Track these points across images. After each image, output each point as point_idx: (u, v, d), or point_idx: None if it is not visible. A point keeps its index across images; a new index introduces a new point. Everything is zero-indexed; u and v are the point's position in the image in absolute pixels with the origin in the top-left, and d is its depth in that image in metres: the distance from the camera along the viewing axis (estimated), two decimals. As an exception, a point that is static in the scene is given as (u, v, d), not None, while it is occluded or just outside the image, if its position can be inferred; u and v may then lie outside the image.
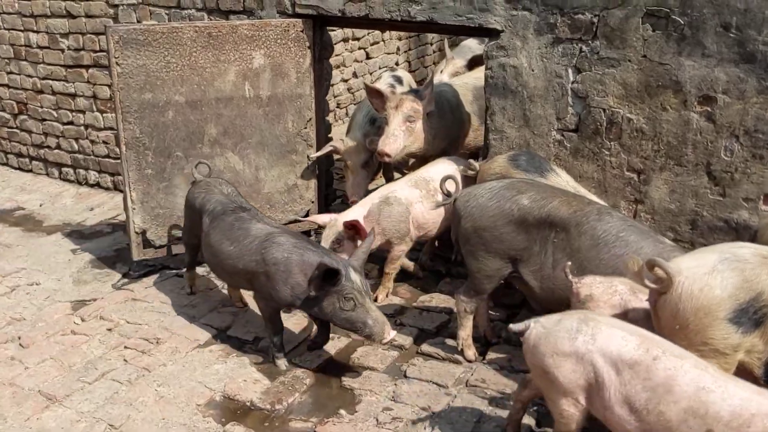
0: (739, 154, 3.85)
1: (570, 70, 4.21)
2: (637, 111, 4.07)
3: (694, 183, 4.02)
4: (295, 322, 4.48)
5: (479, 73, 5.53)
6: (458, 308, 4.01)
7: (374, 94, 4.98)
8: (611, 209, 3.73)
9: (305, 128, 5.29)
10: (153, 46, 4.70)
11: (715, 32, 3.75)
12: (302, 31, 5.08)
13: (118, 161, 6.50)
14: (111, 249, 5.63)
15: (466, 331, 4.01)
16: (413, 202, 4.58)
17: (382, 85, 6.01)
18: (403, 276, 4.93)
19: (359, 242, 4.29)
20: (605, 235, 3.50)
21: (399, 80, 6.15)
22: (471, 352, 4.01)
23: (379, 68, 8.30)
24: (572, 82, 4.22)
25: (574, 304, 3.37)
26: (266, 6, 5.19)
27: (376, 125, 5.29)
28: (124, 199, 4.94)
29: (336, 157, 5.63)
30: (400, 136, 4.72)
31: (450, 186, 4.10)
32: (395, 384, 3.86)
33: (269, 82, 5.08)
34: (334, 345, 4.27)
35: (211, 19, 5.52)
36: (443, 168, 4.62)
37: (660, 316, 2.94)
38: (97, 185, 6.83)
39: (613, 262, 3.44)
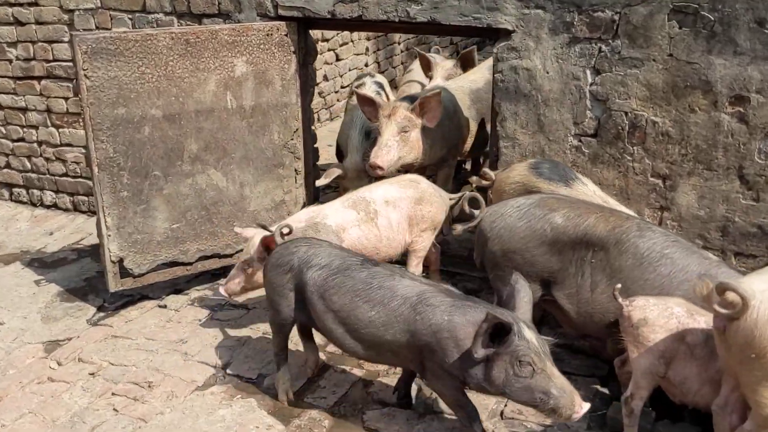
0: (774, 156, 3.65)
1: (588, 72, 3.94)
2: (662, 113, 3.83)
3: (725, 188, 3.80)
4: (299, 353, 4.10)
5: (474, 75, 5.25)
6: None
7: (366, 102, 4.64)
8: (650, 224, 3.48)
9: (292, 139, 4.90)
10: (125, 56, 4.23)
11: (749, 28, 3.53)
12: (286, 35, 4.68)
13: (78, 180, 6.04)
14: (80, 279, 5.12)
15: None
16: (347, 227, 4.00)
17: (368, 91, 5.66)
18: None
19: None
20: (649, 253, 3.23)
21: (381, 86, 5.80)
22: None
23: (349, 70, 7.93)
24: (591, 84, 3.95)
25: (625, 328, 3.10)
26: (245, 8, 4.77)
27: (371, 139, 4.91)
28: (98, 226, 4.46)
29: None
30: (394, 146, 4.40)
31: (472, 205, 3.75)
32: (424, 421, 3.52)
33: (252, 91, 4.66)
34: (347, 378, 3.91)
35: (181, 24, 5.06)
36: (388, 189, 4.17)
37: (731, 344, 2.69)
38: (54, 206, 6.27)
39: (659, 282, 3.19)
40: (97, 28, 5.44)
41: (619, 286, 3.09)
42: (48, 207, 6.27)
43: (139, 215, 4.49)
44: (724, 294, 2.63)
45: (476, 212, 3.69)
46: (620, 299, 3.07)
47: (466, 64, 5.65)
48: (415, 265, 4.29)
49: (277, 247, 3.66)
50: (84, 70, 4.13)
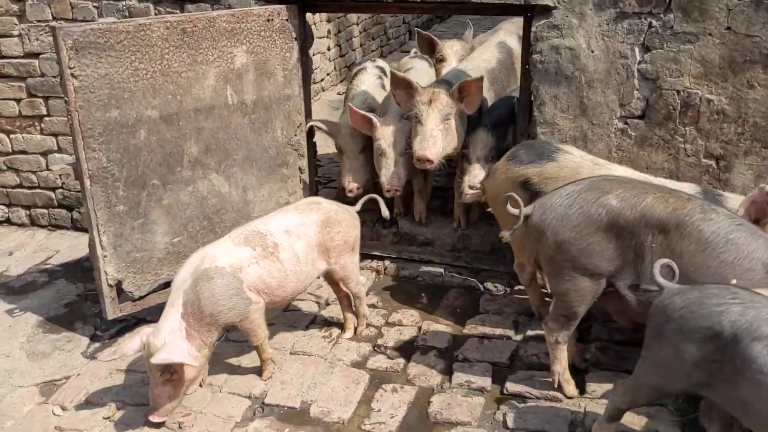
0: (838, 130, 3.51)
1: (637, 49, 3.68)
2: (718, 91, 3.62)
3: (784, 166, 3.65)
4: (342, 375, 3.71)
5: (486, 55, 4.92)
6: (549, 339, 3.41)
7: (402, 85, 4.21)
8: (715, 205, 3.25)
9: (295, 135, 4.46)
10: (116, 50, 3.68)
11: (815, -3, 3.35)
12: (287, 20, 4.22)
13: (35, 191, 5.42)
14: (59, 305, 4.53)
15: (561, 364, 3.43)
16: (244, 265, 3.41)
17: (370, 77, 5.27)
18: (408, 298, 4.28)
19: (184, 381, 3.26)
20: (713, 238, 2.97)
21: (382, 71, 5.40)
22: (571, 388, 3.44)
23: (313, 54, 7.45)
24: (639, 63, 3.70)
25: None
26: (237, -10, 4.27)
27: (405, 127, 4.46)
28: (91, 246, 3.90)
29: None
30: (439, 137, 4.02)
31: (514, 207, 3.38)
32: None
33: (254, 83, 4.19)
34: (401, 398, 3.55)
35: (159, 11, 4.51)
36: (285, 217, 3.66)
37: None
38: (7, 222, 5.58)
39: (722, 270, 2.93)
40: (54, 18, 4.80)
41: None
42: (0, 223, 5.58)
43: (137, 231, 3.95)
44: None
45: (516, 211, 3.31)
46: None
47: (429, 43, 5.24)
48: (359, 292, 3.96)
49: (684, 297, 2.63)
50: (71, 68, 3.55)
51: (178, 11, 4.45)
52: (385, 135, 4.33)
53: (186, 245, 4.14)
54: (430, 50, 5.12)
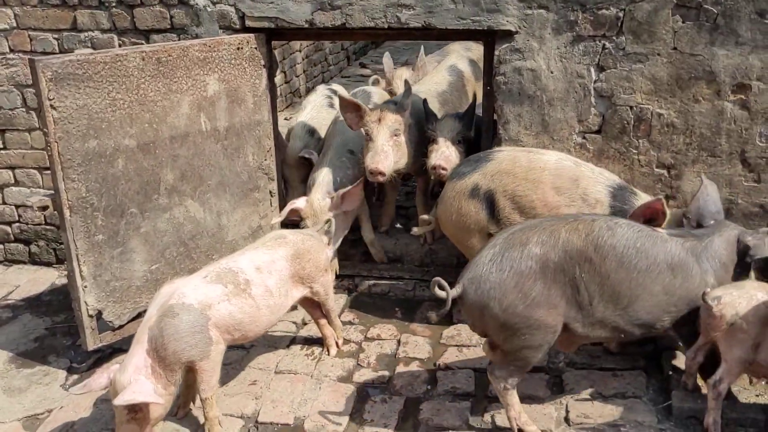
0: (774, 138, 3.87)
1: (593, 69, 3.97)
2: (667, 105, 3.94)
3: (728, 172, 3.98)
4: (331, 390, 3.80)
5: (436, 78, 5.18)
6: (497, 387, 3.31)
7: (349, 108, 4.41)
8: (614, 217, 3.40)
9: (266, 160, 4.56)
10: (95, 81, 3.71)
11: (750, 19, 3.71)
12: (256, 48, 4.34)
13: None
14: (27, 339, 4.45)
15: (515, 409, 3.33)
16: (213, 302, 3.40)
17: (320, 98, 5.45)
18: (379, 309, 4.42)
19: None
20: (626, 251, 3.17)
21: (333, 92, 5.57)
22: (533, 429, 3.36)
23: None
24: (595, 82, 3.99)
25: (715, 326, 3.13)
26: (204, 21, 4.36)
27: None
28: (70, 277, 3.88)
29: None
30: (390, 151, 4.26)
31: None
32: (493, 442, 3.39)
33: (226, 110, 4.28)
34: (392, 407, 3.67)
35: (123, 42, 4.55)
36: (255, 255, 3.70)
37: None
38: (-41, 258, 5.44)
39: (642, 279, 3.17)
40: (11, 51, 4.77)
41: (708, 290, 3.11)
42: (-49, 260, 5.43)
43: (116, 260, 3.96)
44: None
45: (444, 294, 3.18)
46: (709, 301, 3.09)
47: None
48: (332, 307, 4.08)
49: None
50: (50, 99, 3.57)
51: (143, 42, 4.49)
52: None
53: (164, 272, 4.16)
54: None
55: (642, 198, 3.74)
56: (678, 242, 3.26)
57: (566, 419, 3.49)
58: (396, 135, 4.34)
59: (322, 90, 5.61)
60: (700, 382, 3.45)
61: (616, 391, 3.62)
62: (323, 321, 4.12)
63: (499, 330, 3.21)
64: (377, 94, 5.52)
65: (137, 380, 3.16)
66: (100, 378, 3.26)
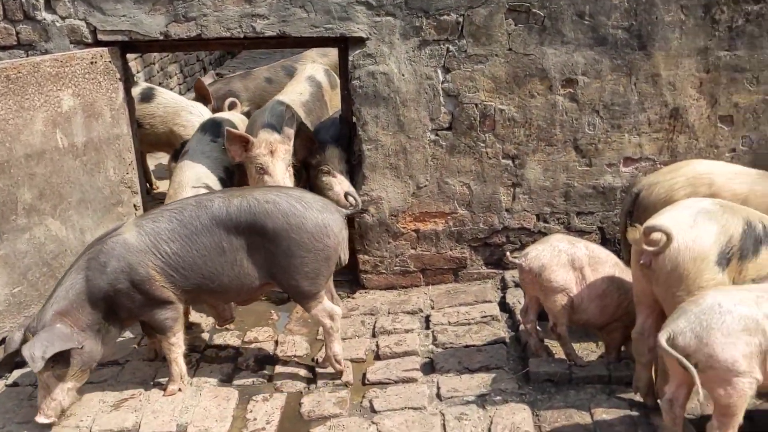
0: (600, 126, 4.35)
1: (440, 71, 4.28)
2: (507, 101, 4.32)
3: (564, 159, 4.42)
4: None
5: (299, 88, 5.34)
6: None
7: (237, 141, 4.32)
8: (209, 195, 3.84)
9: (128, 173, 4.53)
10: (-61, 101, 3.58)
11: (572, 21, 4.15)
12: (110, 62, 4.32)
13: None
14: None
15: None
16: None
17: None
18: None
19: None
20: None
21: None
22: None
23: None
24: (443, 82, 4.30)
25: (530, 281, 3.59)
26: (53, 37, 4.28)
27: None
28: (-75, 307, 3.71)
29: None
30: (289, 183, 4.32)
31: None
32: (373, 422, 3.57)
33: (83, 125, 4.23)
34: (273, 405, 3.78)
35: (-35, 60, 4.36)
36: None
37: (659, 274, 3.19)
38: None
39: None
40: None
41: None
42: None
43: (-25, 285, 3.83)
44: (650, 234, 3.12)
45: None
46: (511, 258, 3.56)
47: (200, 93, 5.73)
48: None
49: None
50: None
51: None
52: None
53: (27, 294, 4.06)
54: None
55: None
56: None
57: (438, 395, 3.75)
58: (289, 165, 4.39)
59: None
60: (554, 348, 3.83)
61: (481, 364, 3.92)
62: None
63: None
64: (231, 122, 5.05)
65: None
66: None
